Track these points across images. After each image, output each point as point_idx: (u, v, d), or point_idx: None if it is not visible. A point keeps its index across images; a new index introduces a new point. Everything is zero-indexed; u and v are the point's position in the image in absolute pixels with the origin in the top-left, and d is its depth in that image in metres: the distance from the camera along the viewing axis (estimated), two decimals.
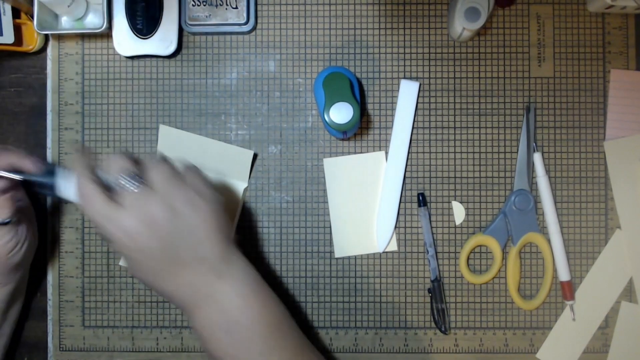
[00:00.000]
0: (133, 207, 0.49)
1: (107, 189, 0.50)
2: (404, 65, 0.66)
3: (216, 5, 0.64)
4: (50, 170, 0.53)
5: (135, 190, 0.50)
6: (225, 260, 0.52)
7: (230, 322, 0.51)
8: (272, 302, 0.54)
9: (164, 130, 0.66)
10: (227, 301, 0.51)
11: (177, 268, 0.51)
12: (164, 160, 0.52)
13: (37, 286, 0.66)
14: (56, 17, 0.65)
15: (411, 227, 0.66)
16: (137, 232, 0.49)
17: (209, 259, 0.51)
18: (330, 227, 0.66)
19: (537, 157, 0.65)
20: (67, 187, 0.52)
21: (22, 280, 0.62)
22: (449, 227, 0.66)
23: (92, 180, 0.50)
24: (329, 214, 0.65)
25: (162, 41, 0.64)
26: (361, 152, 0.66)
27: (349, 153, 0.66)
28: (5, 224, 0.55)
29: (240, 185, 0.66)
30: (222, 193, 0.56)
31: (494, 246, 0.64)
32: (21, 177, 0.53)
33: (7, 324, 0.62)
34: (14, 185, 0.54)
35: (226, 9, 0.64)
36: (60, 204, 0.66)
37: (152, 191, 0.50)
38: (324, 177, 0.66)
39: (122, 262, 0.66)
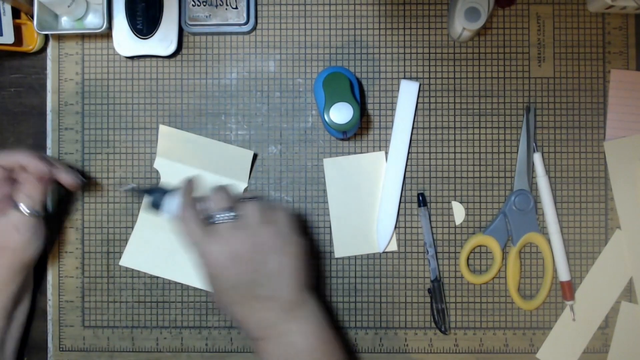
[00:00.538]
0: (222, 238, 0.53)
1: (205, 218, 0.55)
2: (404, 65, 0.66)
3: (216, 6, 0.64)
4: (159, 190, 0.58)
5: (227, 224, 0.54)
6: (297, 303, 0.55)
7: None
8: (336, 348, 0.56)
9: (164, 130, 0.66)
10: (293, 341, 0.54)
11: (251, 301, 0.54)
12: (258, 198, 0.56)
13: (37, 286, 0.66)
14: (56, 17, 0.65)
15: (411, 227, 0.66)
16: (221, 262, 0.53)
17: (283, 299, 0.54)
18: (330, 227, 0.66)
19: (537, 157, 0.65)
20: (170, 206, 0.57)
21: (26, 284, 0.63)
22: (449, 227, 0.66)
23: (192, 207, 0.55)
24: (329, 214, 0.65)
25: (162, 41, 0.64)
26: (361, 152, 0.66)
27: (349, 153, 0.66)
28: (35, 215, 0.57)
29: (240, 185, 0.66)
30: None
31: (494, 246, 0.64)
32: (143, 190, 0.60)
33: (14, 326, 0.62)
34: (51, 180, 0.57)
35: (226, 9, 0.64)
36: (60, 205, 0.66)
37: (242, 228, 0.54)
38: (324, 177, 0.66)
39: (122, 262, 0.66)
